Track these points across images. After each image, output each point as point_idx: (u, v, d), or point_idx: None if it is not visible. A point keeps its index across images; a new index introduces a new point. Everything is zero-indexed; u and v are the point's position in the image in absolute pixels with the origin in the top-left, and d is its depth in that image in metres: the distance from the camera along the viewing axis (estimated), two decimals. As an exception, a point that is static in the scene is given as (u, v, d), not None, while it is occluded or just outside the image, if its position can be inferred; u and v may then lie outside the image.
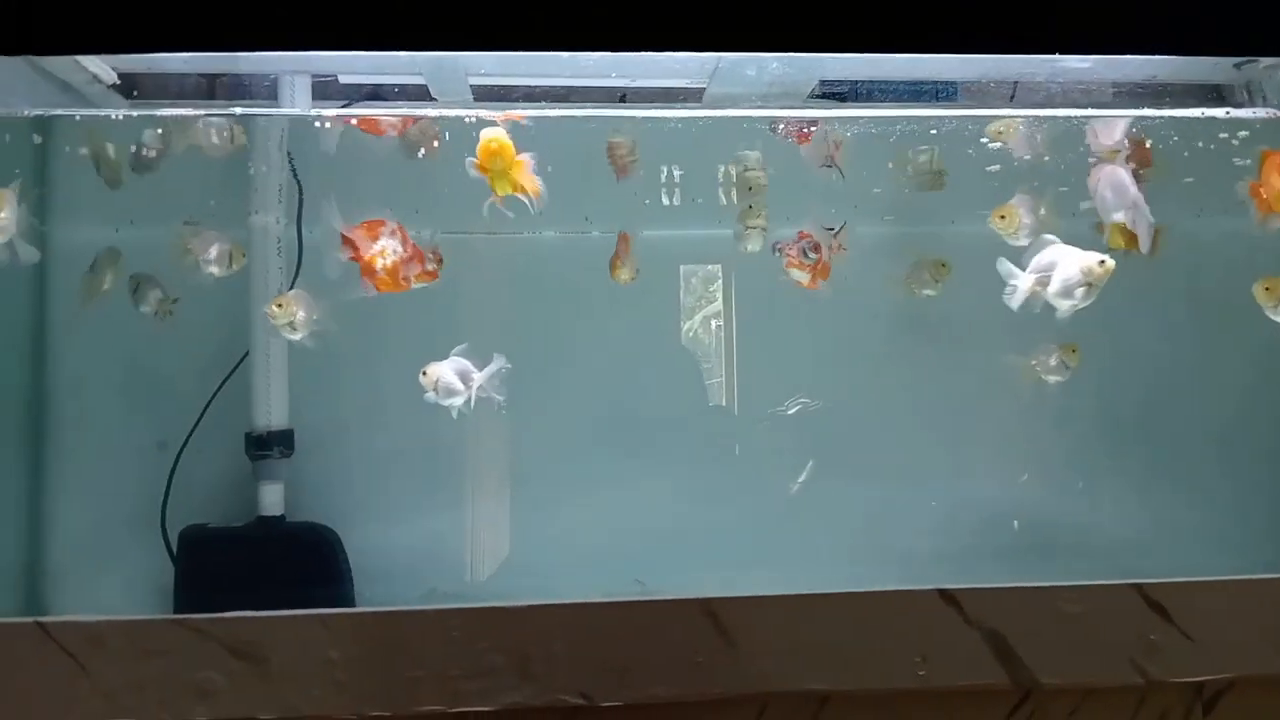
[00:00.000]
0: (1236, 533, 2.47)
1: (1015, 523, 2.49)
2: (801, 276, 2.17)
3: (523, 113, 1.96)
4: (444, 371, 2.06)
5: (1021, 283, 1.92)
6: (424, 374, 2.08)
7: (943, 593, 1.48)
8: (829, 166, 2.18)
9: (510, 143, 1.83)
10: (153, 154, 2.14)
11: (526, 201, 1.90)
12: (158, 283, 2.19)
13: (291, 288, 2.30)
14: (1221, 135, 2.12)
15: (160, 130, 2.13)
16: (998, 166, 2.19)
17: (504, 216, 1.99)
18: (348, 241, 2.00)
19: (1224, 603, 1.52)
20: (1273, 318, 2.00)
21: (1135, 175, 2.01)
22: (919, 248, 2.39)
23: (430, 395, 2.08)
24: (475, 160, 1.85)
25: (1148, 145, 2.12)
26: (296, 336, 2.07)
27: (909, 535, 2.47)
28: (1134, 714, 1.50)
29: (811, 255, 2.14)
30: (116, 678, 1.41)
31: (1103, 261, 1.85)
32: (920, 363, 2.52)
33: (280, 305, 2.04)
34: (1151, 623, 1.50)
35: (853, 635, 1.46)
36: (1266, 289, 1.99)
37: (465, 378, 2.08)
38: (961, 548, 2.45)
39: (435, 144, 2.15)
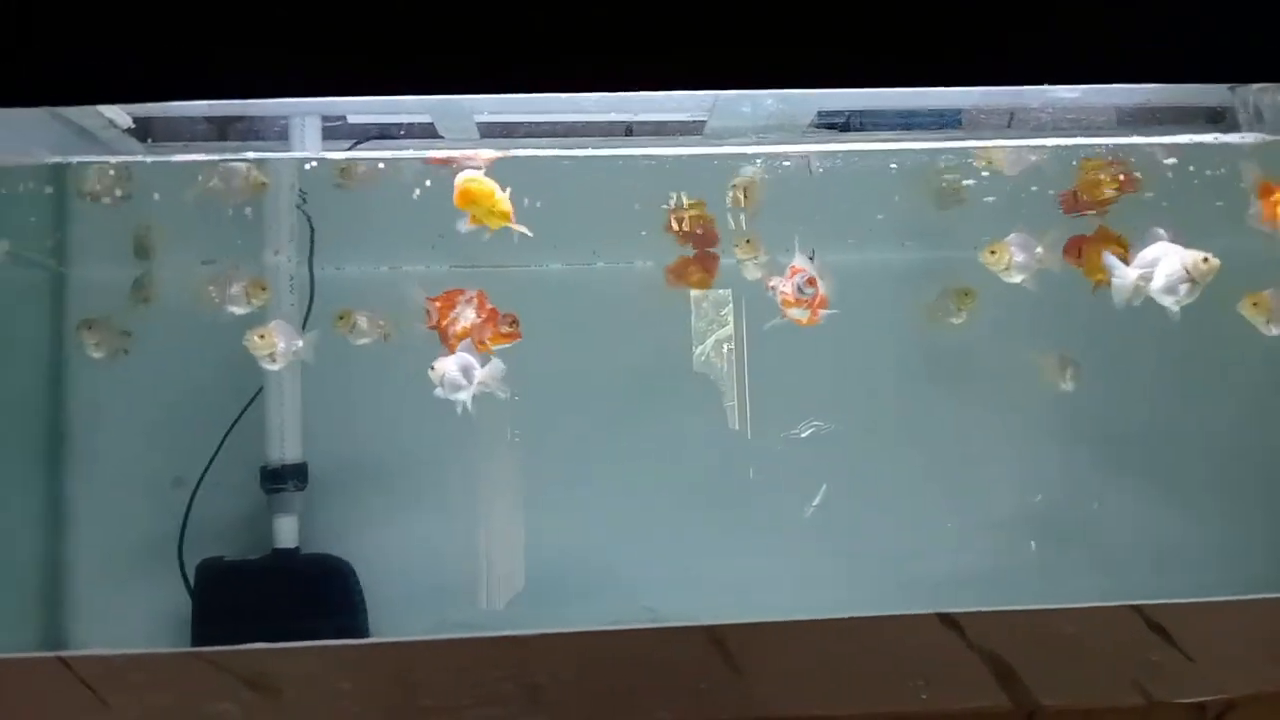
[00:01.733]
0: (1250, 550, 2.47)
1: (1032, 543, 2.51)
2: (800, 314, 2.07)
3: (515, 152, 2.00)
4: (449, 366, 2.08)
5: (1126, 277, 1.92)
6: (432, 369, 2.11)
7: (943, 616, 1.49)
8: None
9: (488, 184, 1.87)
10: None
11: (522, 230, 1.94)
12: (106, 324, 2.24)
13: (305, 323, 2.35)
14: (1216, 159, 2.15)
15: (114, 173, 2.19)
16: (992, 198, 2.23)
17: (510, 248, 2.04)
18: (430, 311, 2.07)
19: (1224, 623, 1.53)
20: (1264, 331, 2.01)
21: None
22: (933, 274, 2.42)
23: (438, 390, 2.10)
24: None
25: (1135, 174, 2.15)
26: (276, 367, 2.13)
27: (924, 557, 2.48)
28: (1137, 735, 1.51)
29: (808, 290, 2.05)
30: (135, 710, 1.44)
31: (1207, 259, 1.86)
32: (932, 385, 2.55)
33: (262, 337, 2.09)
34: (1152, 644, 1.51)
35: (855, 660, 1.48)
36: (1254, 304, 1.99)
37: (469, 373, 2.09)
38: (977, 569, 2.47)
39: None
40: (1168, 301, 1.91)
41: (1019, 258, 2.09)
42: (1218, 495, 2.50)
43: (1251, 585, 1.64)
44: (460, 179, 1.87)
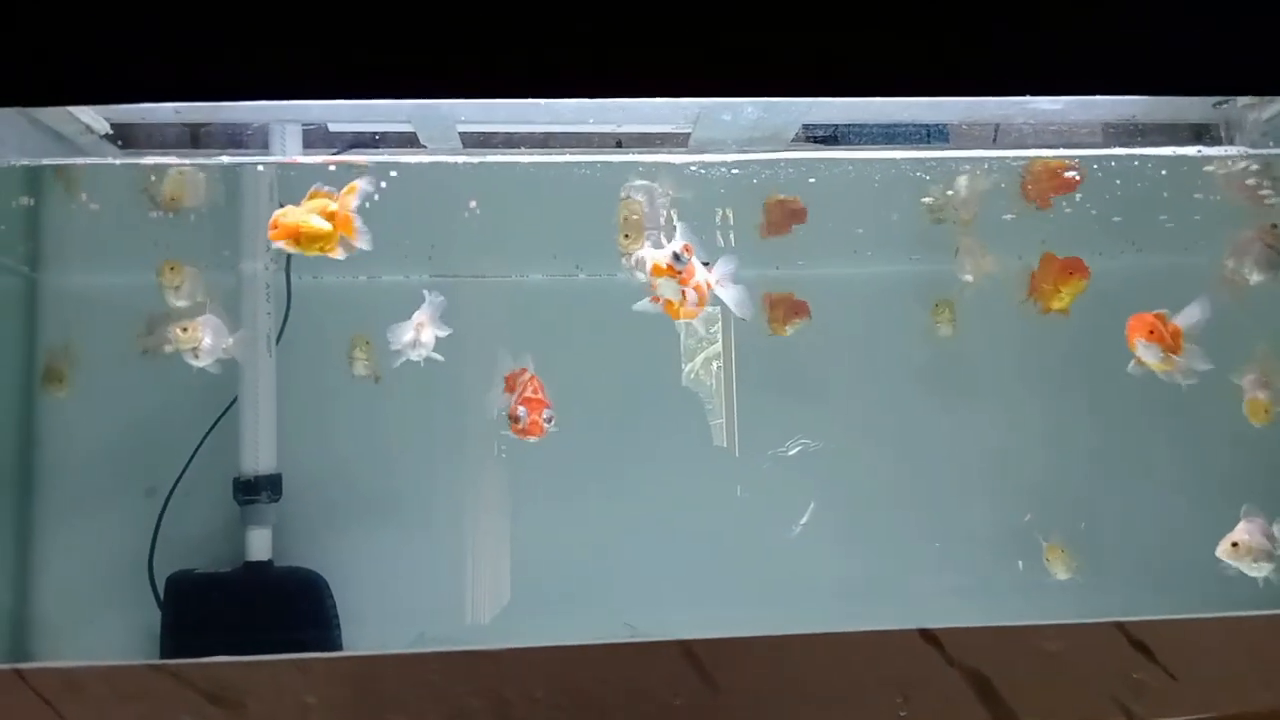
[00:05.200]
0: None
1: (1020, 563, 2.48)
2: (670, 291, 1.78)
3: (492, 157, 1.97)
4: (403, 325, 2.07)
5: None
6: None
7: (924, 632, 1.46)
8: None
9: (294, 221, 1.80)
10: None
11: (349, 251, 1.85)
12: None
13: (281, 333, 2.33)
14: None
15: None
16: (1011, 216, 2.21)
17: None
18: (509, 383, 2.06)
19: (1208, 641, 1.50)
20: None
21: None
22: (924, 289, 2.42)
23: (393, 345, 2.08)
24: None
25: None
26: (201, 364, 2.05)
27: (912, 574, 2.45)
28: (1119, 754, 1.48)
29: (685, 258, 1.76)
30: (93, 725, 1.40)
31: None
32: (921, 402, 2.53)
33: (185, 330, 2.02)
34: (1135, 661, 1.48)
35: (834, 676, 1.44)
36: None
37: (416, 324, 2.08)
38: (963, 586, 2.44)
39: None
40: None
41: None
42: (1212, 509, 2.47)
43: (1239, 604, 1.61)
44: (275, 216, 1.80)
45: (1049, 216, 2.20)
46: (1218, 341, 2.03)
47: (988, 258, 2.16)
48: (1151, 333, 1.89)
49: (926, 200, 2.26)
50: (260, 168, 2.17)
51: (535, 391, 1.99)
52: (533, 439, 1.97)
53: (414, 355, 2.06)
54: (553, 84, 1.63)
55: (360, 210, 1.83)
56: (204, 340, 2.02)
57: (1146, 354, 1.91)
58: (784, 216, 2.28)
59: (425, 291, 2.09)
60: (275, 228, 1.79)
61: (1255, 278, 1.99)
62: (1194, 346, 1.92)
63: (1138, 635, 1.48)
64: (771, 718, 1.43)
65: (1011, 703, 1.44)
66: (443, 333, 2.08)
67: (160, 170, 2.15)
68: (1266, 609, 1.52)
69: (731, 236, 2.42)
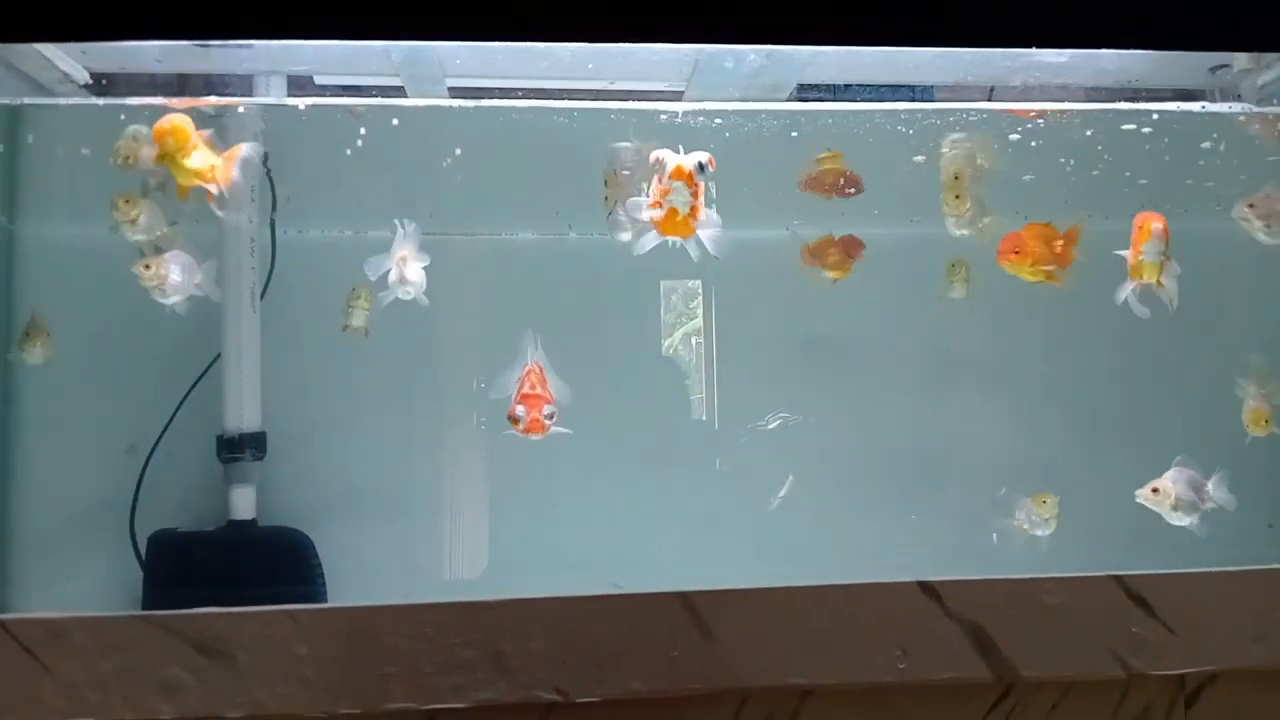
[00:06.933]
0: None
1: (994, 535, 2.48)
2: (681, 201, 1.65)
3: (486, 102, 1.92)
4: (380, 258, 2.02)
5: None
6: None
7: (923, 585, 1.46)
8: None
9: (185, 132, 1.74)
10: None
11: (213, 190, 1.80)
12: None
13: (265, 288, 2.29)
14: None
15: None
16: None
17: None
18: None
19: (1205, 595, 1.50)
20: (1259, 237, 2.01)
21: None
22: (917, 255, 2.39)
23: (372, 277, 2.04)
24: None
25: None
26: (170, 301, 1.96)
27: (886, 549, 2.44)
28: (1116, 707, 1.48)
29: (709, 170, 1.66)
30: (79, 675, 1.37)
31: None
32: (897, 375, 2.51)
33: (149, 266, 1.93)
34: (1133, 615, 1.48)
35: (833, 628, 1.43)
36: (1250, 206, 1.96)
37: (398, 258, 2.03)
38: (938, 560, 2.44)
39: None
40: None
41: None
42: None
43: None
44: (162, 120, 1.74)
45: (1061, 179, 2.18)
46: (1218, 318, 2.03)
47: (994, 220, 2.13)
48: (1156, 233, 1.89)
49: (919, 159, 2.23)
50: (241, 109, 2.11)
51: (534, 386, 1.94)
52: (535, 436, 1.92)
53: (401, 294, 2.01)
54: (548, 26, 1.60)
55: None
56: (170, 276, 1.93)
57: (1151, 252, 1.90)
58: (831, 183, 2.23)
59: (398, 222, 2.04)
60: (159, 129, 1.73)
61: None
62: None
63: (1136, 589, 1.48)
64: (770, 669, 1.42)
65: (1009, 655, 1.44)
66: (423, 263, 2.03)
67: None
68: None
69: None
